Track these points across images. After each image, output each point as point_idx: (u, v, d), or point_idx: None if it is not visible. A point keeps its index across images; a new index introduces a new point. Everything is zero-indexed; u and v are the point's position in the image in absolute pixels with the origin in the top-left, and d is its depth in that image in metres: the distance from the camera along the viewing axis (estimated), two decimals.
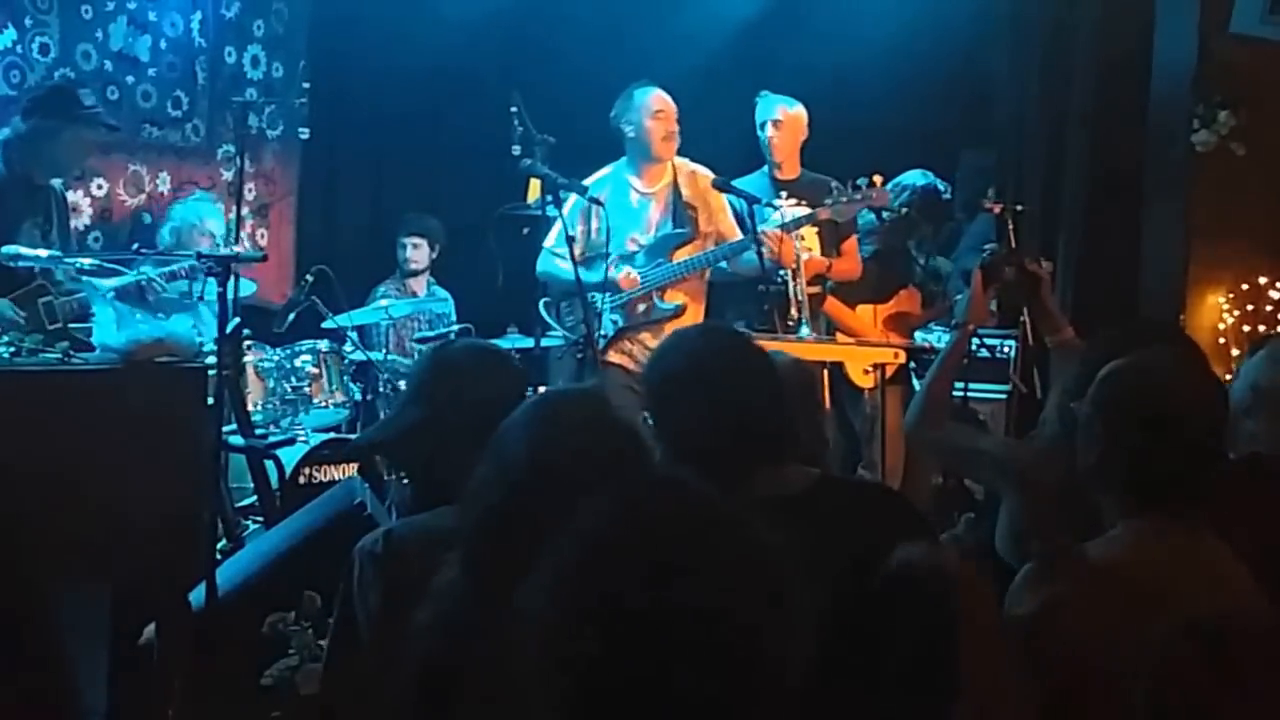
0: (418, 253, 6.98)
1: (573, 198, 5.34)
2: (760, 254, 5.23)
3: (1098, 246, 6.93)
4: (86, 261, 4.43)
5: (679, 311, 5.48)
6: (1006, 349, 6.54)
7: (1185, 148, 6.60)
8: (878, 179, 5.52)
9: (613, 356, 5.38)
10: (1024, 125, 7.39)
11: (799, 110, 5.90)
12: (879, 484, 2.92)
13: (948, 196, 7.12)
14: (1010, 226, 6.19)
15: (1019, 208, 6.34)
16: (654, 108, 5.46)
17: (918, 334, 6.36)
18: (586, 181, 5.45)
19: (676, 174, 5.55)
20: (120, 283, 4.64)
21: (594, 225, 5.42)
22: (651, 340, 5.42)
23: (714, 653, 1.25)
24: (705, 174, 5.60)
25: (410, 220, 7.02)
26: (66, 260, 4.40)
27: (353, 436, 5.70)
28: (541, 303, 5.53)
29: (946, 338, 6.06)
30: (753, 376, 2.38)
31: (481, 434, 2.13)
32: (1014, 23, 7.40)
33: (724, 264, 5.54)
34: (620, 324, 5.45)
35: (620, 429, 2.02)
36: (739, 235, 5.55)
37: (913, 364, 6.26)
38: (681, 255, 5.48)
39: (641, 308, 5.47)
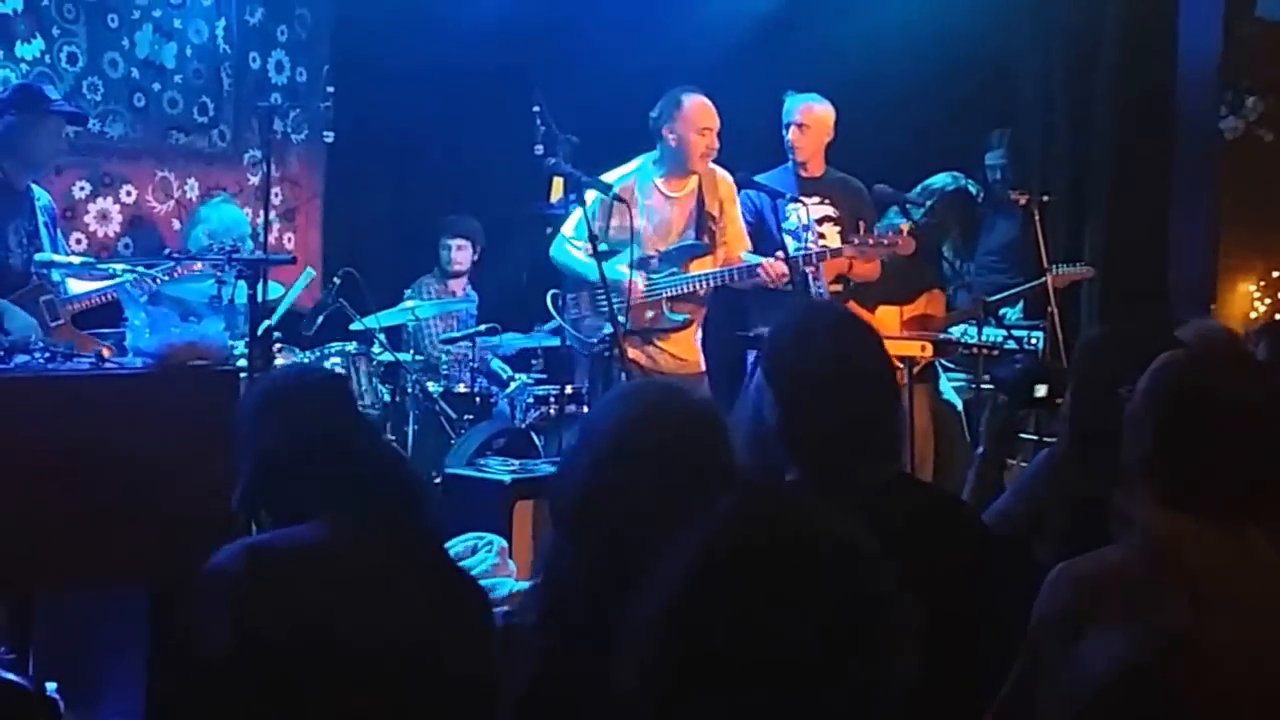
0: (461, 254, 6.99)
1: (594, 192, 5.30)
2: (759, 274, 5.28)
3: (1126, 236, 6.89)
4: (120, 267, 4.47)
5: (686, 324, 5.43)
6: (1035, 340, 6.51)
7: (1213, 135, 6.56)
8: (905, 227, 5.48)
9: (629, 353, 5.33)
10: (1049, 114, 7.36)
11: (824, 110, 5.83)
12: (951, 496, 2.89)
13: (980, 197, 7.08)
14: (1037, 218, 6.17)
15: (1045, 198, 6.30)
16: (701, 123, 5.33)
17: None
18: (610, 174, 5.40)
19: (701, 179, 5.50)
20: (110, 286, 4.71)
21: (614, 222, 5.35)
22: (660, 348, 5.40)
23: (822, 672, 1.29)
24: (725, 178, 5.53)
25: (454, 222, 7.01)
26: (100, 265, 4.44)
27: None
28: (550, 294, 5.50)
29: (973, 332, 6.09)
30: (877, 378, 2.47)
31: (322, 452, 2.28)
32: (1037, 11, 7.37)
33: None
34: (627, 328, 5.40)
35: (701, 418, 2.07)
36: (747, 246, 5.53)
37: (941, 360, 6.25)
38: (696, 268, 5.44)
39: (650, 314, 5.41)
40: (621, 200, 5.25)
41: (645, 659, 1.34)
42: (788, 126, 5.82)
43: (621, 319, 5.30)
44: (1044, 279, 6.16)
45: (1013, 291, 6.49)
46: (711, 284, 5.43)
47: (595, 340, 5.31)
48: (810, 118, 5.78)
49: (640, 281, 5.32)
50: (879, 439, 2.41)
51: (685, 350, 5.49)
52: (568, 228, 5.43)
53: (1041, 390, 3.31)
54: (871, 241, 5.39)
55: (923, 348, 5.68)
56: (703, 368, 5.53)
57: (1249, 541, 2.12)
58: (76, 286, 4.87)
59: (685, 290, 5.40)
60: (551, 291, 5.50)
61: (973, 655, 2.34)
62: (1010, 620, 2.45)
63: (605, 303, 5.02)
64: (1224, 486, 2.12)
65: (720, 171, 5.53)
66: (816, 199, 5.73)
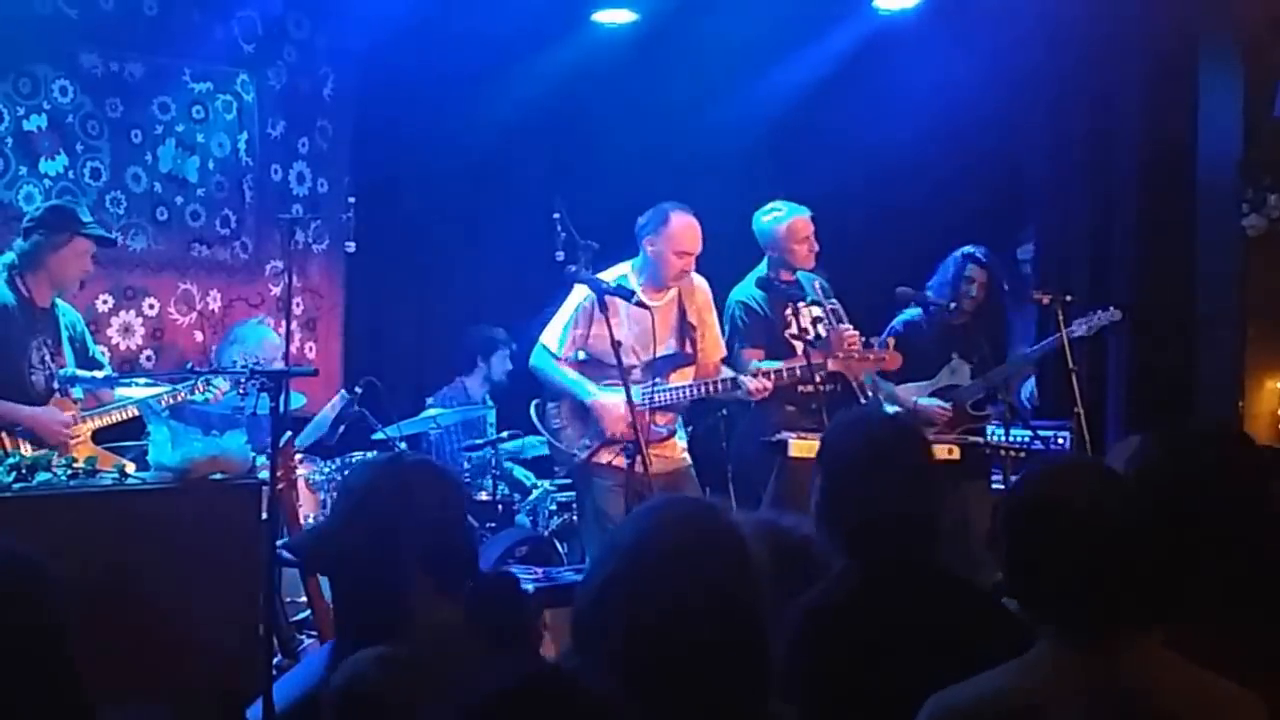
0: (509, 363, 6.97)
1: (578, 294, 5.23)
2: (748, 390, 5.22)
3: (1150, 335, 6.86)
4: (141, 381, 4.47)
5: (669, 434, 5.37)
6: (1061, 440, 6.44)
7: (1236, 232, 6.54)
8: (891, 341, 5.45)
9: (604, 456, 5.23)
10: (1069, 213, 7.37)
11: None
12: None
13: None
14: (1060, 317, 6.11)
15: (1068, 298, 6.24)
16: (681, 244, 5.27)
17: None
18: (599, 276, 5.36)
19: (680, 288, 5.42)
20: (132, 401, 4.70)
21: (594, 330, 5.23)
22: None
23: None
24: (702, 286, 5.47)
25: (500, 334, 6.99)
26: (123, 380, 4.43)
27: None
28: (533, 404, 5.42)
29: (1000, 432, 6.01)
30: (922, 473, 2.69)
31: (411, 555, 2.28)
32: (1055, 111, 7.41)
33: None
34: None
35: (727, 539, 2.03)
36: (722, 352, 5.48)
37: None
38: (678, 378, 5.38)
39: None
40: (645, 307, 5.20)
41: None
42: (787, 239, 5.62)
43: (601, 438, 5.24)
44: (1060, 335, 5.99)
45: (1033, 352, 6.34)
46: (694, 395, 5.36)
47: (577, 451, 5.24)
48: (811, 230, 5.72)
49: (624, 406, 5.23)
50: (915, 531, 2.62)
51: (670, 450, 5.39)
52: (549, 337, 5.35)
53: None
54: (857, 356, 5.34)
55: (950, 451, 5.61)
56: (688, 463, 5.43)
57: (1117, 663, 1.97)
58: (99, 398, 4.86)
59: (669, 400, 5.33)
60: (534, 401, 5.43)
61: None
62: None
63: (588, 414, 5.02)
64: (1081, 605, 1.99)
65: (697, 279, 5.47)
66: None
